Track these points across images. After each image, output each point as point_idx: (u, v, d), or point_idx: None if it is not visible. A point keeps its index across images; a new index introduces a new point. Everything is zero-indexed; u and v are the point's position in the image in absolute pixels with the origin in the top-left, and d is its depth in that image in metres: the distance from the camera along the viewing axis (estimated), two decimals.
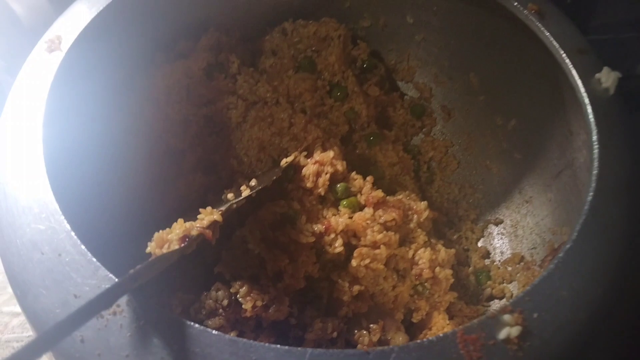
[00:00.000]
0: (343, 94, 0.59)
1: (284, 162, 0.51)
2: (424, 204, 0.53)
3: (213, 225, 0.39)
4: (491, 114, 0.61)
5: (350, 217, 0.49)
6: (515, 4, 0.43)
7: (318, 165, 0.51)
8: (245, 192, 0.46)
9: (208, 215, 0.39)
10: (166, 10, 0.56)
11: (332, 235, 0.47)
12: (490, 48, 0.57)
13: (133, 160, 0.56)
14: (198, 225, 0.38)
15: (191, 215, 0.48)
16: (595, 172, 0.35)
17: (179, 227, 0.38)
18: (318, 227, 0.47)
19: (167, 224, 0.44)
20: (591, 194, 0.35)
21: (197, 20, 0.59)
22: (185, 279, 0.49)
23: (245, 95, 0.59)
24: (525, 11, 0.43)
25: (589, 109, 0.38)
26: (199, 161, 0.58)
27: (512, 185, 0.60)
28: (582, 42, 0.42)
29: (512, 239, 0.59)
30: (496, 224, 0.61)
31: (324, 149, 0.55)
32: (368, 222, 0.49)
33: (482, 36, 0.56)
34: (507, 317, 0.30)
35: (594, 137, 0.36)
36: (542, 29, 0.42)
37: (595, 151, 0.36)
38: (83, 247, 0.33)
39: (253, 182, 0.49)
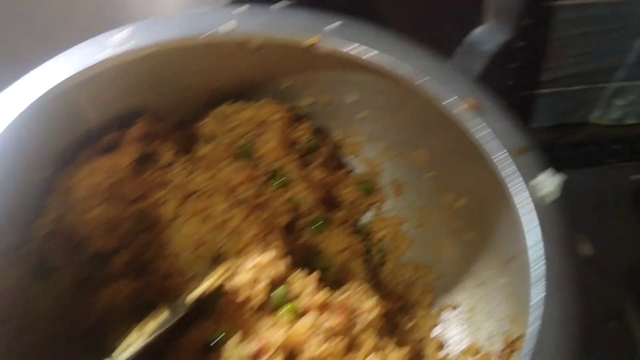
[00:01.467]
0: (284, 181, 0.55)
1: (190, 297, 0.46)
2: (373, 301, 0.50)
3: None
4: (442, 191, 0.59)
5: (291, 327, 0.45)
6: (447, 100, 0.41)
7: (255, 271, 0.47)
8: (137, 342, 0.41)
9: None
10: (92, 101, 0.52)
11: (270, 353, 0.43)
12: (437, 126, 0.54)
13: (56, 266, 0.51)
14: None
15: (120, 328, 0.43)
16: (542, 297, 0.32)
17: None
18: (252, 347, 0.43)
19: (94, 338, 0.40)
20: (539, 323, 0.32)
21: (128, 108, 0.55)
22: None
23: (179, 187, 0.55)
24: (456, 110, 0.40)
25: (532, 218, 0.35)
26: (129, 263, 0.54)
27: (465, 266, 0.58)
28: (523, 139, 0.39)
29: (469, 326, 0.56)
30: (452, 309, 0.58)
31: (265, 246, 0.51)
32: (310, 331, 0.45)
33: (428, 116, 0.54)
34: None
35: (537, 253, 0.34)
36: (476, 128, 0.39)
37: (541, 268, 0.33)
38: None
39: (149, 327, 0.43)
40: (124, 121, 0.55)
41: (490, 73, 0.69)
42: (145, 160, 0.54)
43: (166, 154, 0.54)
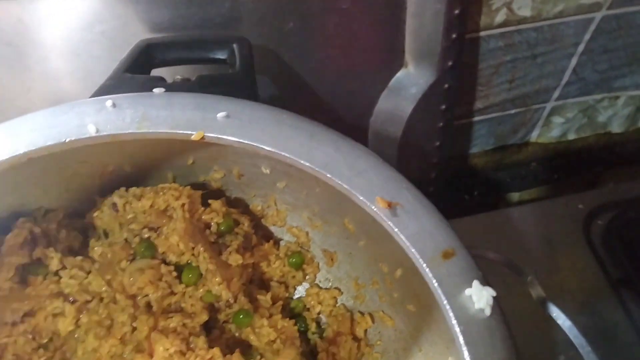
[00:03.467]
0: (195, 276, 0.49)
1: None
2: None
3: None
4: (375, 261, 0.53)
5: None
6: (362, 198, 0.35)
7: None
8: None
9: None
10: None
11: None
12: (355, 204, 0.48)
13: None
14: None
15: None
16: None
17: None
18: None
19: None
20: None
21: (2, 210, 0.47)
22: None
23: (73, 295, 0.47)
24: (373, 207, 0.35)
25: (462, 344, 0.30)
26: None
27: (411, 341, 0.52)
28: (445, 239, 0.34)
29: None
30: None
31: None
32: None
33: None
34: None
35: None
36: (396, 230, 0.34)
37: None
38: None
39: None
40: None
41: (420, 115, 0.65)
42: (28, 271, 0.46)
43: (53, 259, 0.47)
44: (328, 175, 0.36)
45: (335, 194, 0.50)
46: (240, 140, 0.37)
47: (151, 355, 0.45)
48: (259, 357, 0.49)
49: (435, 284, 0.32)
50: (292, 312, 0.56)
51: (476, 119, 0.81)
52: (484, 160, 0.91)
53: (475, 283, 0.32)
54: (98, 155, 0.48)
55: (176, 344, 0.45)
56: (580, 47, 0.76)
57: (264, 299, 0.53)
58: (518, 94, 0.79)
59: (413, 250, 0.33)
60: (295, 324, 0.54)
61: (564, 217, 0.70)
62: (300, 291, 0.58)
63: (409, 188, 0.36)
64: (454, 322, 0.31)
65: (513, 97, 0.80)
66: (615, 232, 0.68)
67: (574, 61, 0.78)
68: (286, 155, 0.37)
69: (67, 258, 0.48)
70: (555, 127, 0.89)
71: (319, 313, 0.57)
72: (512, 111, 0.83)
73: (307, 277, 0.58)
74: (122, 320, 0.46)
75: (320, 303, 0.56)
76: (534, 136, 0.90)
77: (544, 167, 0.96)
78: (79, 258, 0.48)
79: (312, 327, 0.56)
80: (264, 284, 0.57)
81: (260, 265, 0.56)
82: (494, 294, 0.32)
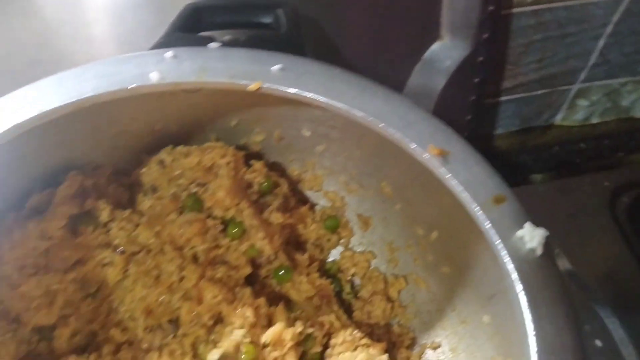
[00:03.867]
0: (240, 230, 0.50)
1: None
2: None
3: None
4: (411, 224, 0.55)
5: None
6: (414, 146, 0.36)
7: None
8: None
9: None
10: (14, 163, 0.45)
11: None
12: (398, 161, 0.50)
13: None
14: None
15: None
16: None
17: None
18: None
19: None
20: None
21: (53, 164, 0.49)
22: None
23: (122, 246, 0.49)
24: (425, 155, 0.36)
25: (517, 279, 0.31)
26: (74, 335, 0.48)
27: (445, 302, 0.54)
28: (498, 187, 0.35)
29: None
30: (433, 349, 0.54)
31: (228, 318, 0.46)
32: None
33: (388, 150, 0.49)
34: None
35: (528, 326, 0.30)
36: (448, 176, 0.35)
37: (532, 343, 0.29)
38: None
39: None
40: (49, 179, 0.48)
41: (452, 88, 0.66)
42: (79, 222, 0.48)
43: (103, 211, 0.48)
44: (381, 124, 0.38)
45: (376, 154, 0.51)
46: (296, 92, 0.39)
47: (200, 302, 0.46)
48: (299, 311, 0.51)
49: (488, 226, 0.33)
50: (327, 274, 0.58)
51: (503, 98, 0.82)
52: (508, 141, 0.92)
53: (528, 224, 0.34)
54: (148, 113, 0.50)
55: (223, 292, 0.47)
56: (609, 29, 0.77)
57: (302, 258, 0.55)
58: (545, 74, 0.80)
59: (466, 194, 0.35)
60: (330, 284, 0.55)
61: (590, 193, 0.71)
62: (334, 254, 0.60)
63: (458, 139, 0.38)
64: (508, 259, 0.32)
65: (540, 77, 0.81)
66: None
67: (601, 43, 0.79)
68: (340, 105, 0.38)
69: (116, 211, 0.49)
70: (579, 110, 0.90)
71: (352, 275, 0.58)
72: (539, 92, 0.84)
73: (342, 240, 0.60)
74: (170, 270, 0.48)
75: (354, 265, 0.58)
76: (558, 119, 0.91)
77: (567, 151, 0.97)
78: (128, 211, 0.50)
79: (347, 288, 0.58)
80: (300, 246, 0.58)
81: (296, 228, 0.57)
82: (547, 233, 0.33)
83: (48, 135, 0.45)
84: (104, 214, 0.49)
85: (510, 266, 0.32)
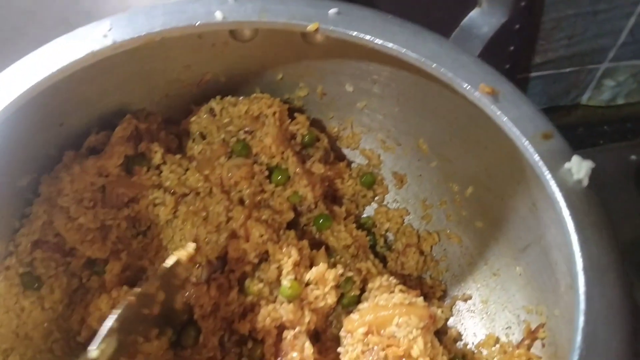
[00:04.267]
0: (284, 177, 0.52)
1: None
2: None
3: None
4: (446, 181, 0.57)
5: None
6: (466, 86, 0.38)
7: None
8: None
9: None
10: (71, 101, 0.48)
11: None
12: (438, 117, 0.52)
13: (45, 277, 0.48)
14: None
15: None
16: (582, 290, 0.30)
17: None
18: None
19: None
20: (582, 319, 0.30)
21: (110, 108, 0.52)
22: None
23: (173, 188, 0.51)
24: (476, 93, 0.38)
25: (564, 206, 0.33)
26: (124, 270, 0.50)
27: (477, 256, 0.56)
28: (545, 125, 0.37)
29: (484, 317, 0.54)
30: (464, 301, 0.56)
31: (274, 256, 0.48)
32: None
33: (429, 105, 0.51)
34: None
35: (575, 245, 0.32)
36: (499, 113, 0.37)
37: (579, 262, 0.31)
38: None
39: None
40: (105, 122, 0.51)
41: (487, 57, 0.67)
42: (133, 162, 0.51)
43: (156, 154, 0.51)
44: (434, 65, 0.39)
45: (415, 111, 0.53)
46: (356, 34, 0.41)
47: (247, 240, 0.49)
48: (338, 257, 0.53)
49: (537, 158, 0.35)
50: (362, 228, 0.60)
51: (533, 74, 0.84)
52: None
53: (575, 157, 0.36)
54: (200, 63, 0.52)
55: (269, 232, 0.49)
56: None
57: (339, 210, 0.57)
58: (575, 51, 0.82)
59: (516, 130, 0.36)
60: (366, 236, 0.57)
61: (616, 165, 0.73)
62: (369, 211, 0.62)
63: (507, 81, 0.40)
64: (556, 188, 0.34)
65: (570, 54, 0.82)
66: None
67: (631, 21, 0.80)
68: (395, 47, 0.40)
69: (167, 155, 0.52)
70: (606, 90, 0.91)
71: (386, 231, 0.60)
72: (567, 70, 0.85)
73: (377, 198, 0.62)
74: (218, 211, 0.50)
75: (388, 221, 0.60)
76: (584, 99, 0.93)
77: (591, 133, 0.98)
78: (178, 156, 0.52)
79: (380, 242, 0.60)
80: (337, 201, 0.60)
81: (334, 183, 0.60)
82: (593, 165, 0.35)
83: (107, 78, 0.48)
84: (157, 157, 0.51)
85: (558, 195, 0.34)
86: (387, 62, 0.48)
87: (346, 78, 0.55)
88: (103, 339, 0.37)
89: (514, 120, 0.37)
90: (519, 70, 0.80)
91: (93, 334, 0.47)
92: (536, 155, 0.35)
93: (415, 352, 0.43)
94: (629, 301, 0.31)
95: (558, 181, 0.34)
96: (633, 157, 0.73)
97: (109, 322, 0.38)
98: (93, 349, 0.37)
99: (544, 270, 0.46)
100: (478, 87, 0.38)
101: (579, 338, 0.29)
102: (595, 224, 0.33)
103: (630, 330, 0.30)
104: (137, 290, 0.41)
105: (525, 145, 0.36)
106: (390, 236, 0.61)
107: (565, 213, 0.33)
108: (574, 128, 0.99)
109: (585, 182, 0.35)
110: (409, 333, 0.44)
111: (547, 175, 0.35)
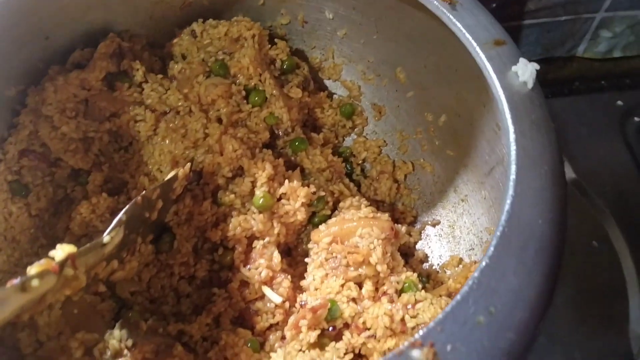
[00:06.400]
0: (261, 98, 0.54)
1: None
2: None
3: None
4: (421, 110, 0.58)
5: None
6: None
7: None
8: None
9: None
10: (57, 15, 0.50)
11: None
12: (413, 42, 0.53)
13: (32, 185, 0.50)
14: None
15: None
16: (512, 177, 0.32)
17: None
18: None
19: None
20: (508, 201, 0.31)
21: (94, 26, 0.54)
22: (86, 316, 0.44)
23: (153, 105, 0.53)
24: (435, 2, 0.39)
25: (506, 106, 0.35)
26: (105, 182, 0.53)
27: (447, 183, 0.57)
28: (498, 32, 0.38)
29: (450, 240, 0.56)
30: (433, 226, 0.58)
31: (249, 171, 0.50)
32: None
33: (404, 30, 0.53)
34: (416, 354, 0.27)
35: (511, 137, 0.33)
36: (454, 20, 0.38)
37: (513, 153, 0.33)
38: None
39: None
40: (90, 39, 0.53)
41: None
42: (115, 78, 0.53)
43: (138, 72, 0.53)
44: None
45: (392, 37, 0.54)
46: None
47: (221, 154, 0.51)
48: (312, 179, 0.55)
49: (485, 61, 0.37)
50: (340, 155, 0.61)
51: (526, 22, 0.83)
52: None
53: (522, 59, 0.37)
54: None
55: (243, 148, 0.51)
56: None
57: (317, 137, 0.59)
58: None
59: (468, 36, 0.38)
60: (342, 162, 0.59)
61: (603, 110, 0.73)
62: (348, 142, 0.64)
63: None
64: (500, 90, 0.35)
65: (565, 1, 0.81)
66: None
67: None
68: None
69: (149, 74, 0.54)
70: (602, 41, 0.90)
71: (364, 160, 0.62)
72: (562, 18, 0.84)
73: (356, 129, 0.63)
74: (196, 128, 0.52)
75: (366, 150, 0.62)
76: (580, 50, 0.92)
77: (587, 87, 0.98)
78: (160, 76, 0.54)
79: (357, 170, 0.62)
80: (316, 130, 0.62)
81: (314, 112, 0.61)
82: (537, 67, 0.36)
83: None
84: (139, 74, 0.53)
85: (502, 95, 0.35)
86: None
87: (326, 4, 0.56)
88: (113, 227, 0.40)
89: (468, 28, 0.38)
90: (510, 18, 0.80)
91: (75, 240, 0.50)
92: (484, 58, 0.36)
93: (373, 259, 0.45)
94: (560, 191, 0.32)
95: (503, 84, 0.36)
96: (619, 102, 0.74)
97: (119, 214, 0.41)
98: (105, 235, 0.39)
99: (505, 190, 0.47)
100: None
101: (503, 217, 0.31)
102: (534, 122, 0.34)
103: (557, 216, 0.31)
104: (143, 192, 0.44)
105: (477, 51, 0.37)
106: (368, 166, 0.62)
107: (506, 111, 0.34)
108: (570, 82, 0.99)
109: (530, 84, 0.36)
110: (370, 243, 0.46)
111: (493, 77, 0.36)
